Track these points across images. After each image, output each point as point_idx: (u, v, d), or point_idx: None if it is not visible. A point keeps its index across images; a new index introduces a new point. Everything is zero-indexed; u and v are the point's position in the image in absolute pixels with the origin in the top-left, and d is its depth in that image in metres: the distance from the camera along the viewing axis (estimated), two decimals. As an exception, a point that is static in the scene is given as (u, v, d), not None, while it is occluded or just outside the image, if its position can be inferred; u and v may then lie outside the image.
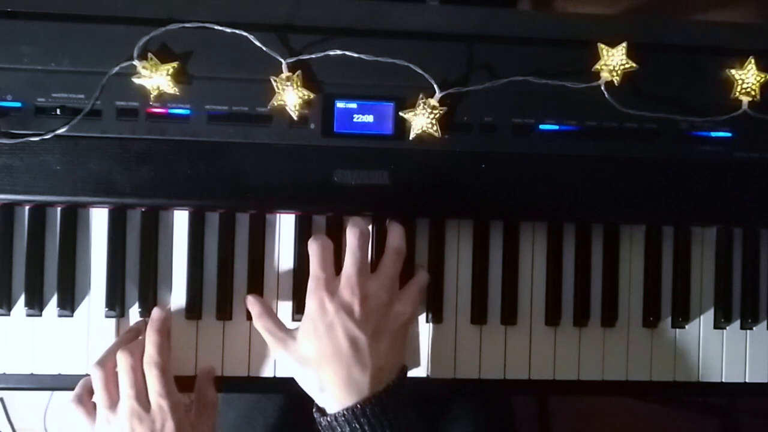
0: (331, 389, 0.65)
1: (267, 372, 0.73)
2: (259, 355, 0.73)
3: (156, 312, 0.70)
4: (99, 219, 0.72)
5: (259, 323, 0.70)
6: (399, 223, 0.72)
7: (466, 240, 0.75)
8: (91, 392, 0.69)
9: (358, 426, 0.63)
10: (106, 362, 0.68)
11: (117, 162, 0.69)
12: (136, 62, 0.67)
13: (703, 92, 0.73)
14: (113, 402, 0.67)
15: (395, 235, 0.71)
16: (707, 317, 0.78)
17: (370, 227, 0.72)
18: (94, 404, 0.68)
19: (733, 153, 0.74)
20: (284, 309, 0.73)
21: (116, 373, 0.68)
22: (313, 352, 0.66)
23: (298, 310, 0.72)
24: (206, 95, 0.69)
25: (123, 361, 0.67)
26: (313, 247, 0.69)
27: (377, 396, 0.64)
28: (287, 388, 0.73)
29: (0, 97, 0.67)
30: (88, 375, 0.69)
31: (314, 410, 0.67)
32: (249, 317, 0.72)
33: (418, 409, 0.92)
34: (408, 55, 0.68)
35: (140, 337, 0.71)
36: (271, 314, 0.71)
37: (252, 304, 0.71)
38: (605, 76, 0.69)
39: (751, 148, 0.74)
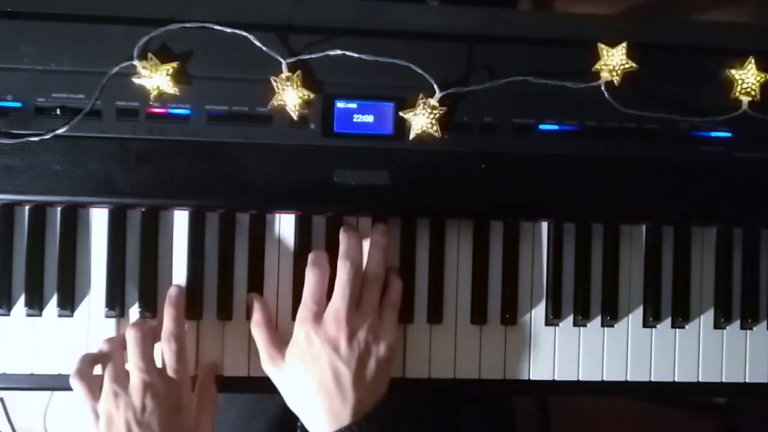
0: (313, 415, 0.67)
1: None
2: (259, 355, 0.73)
3: (173, 289, 0.71)
4: (99, 219, 0.72)
5: (256, 331, 0.71)
6: (378, 245, 0.72)
7: (466, 240, 0.75)
8: (92, 367, 0.68)
9: None
10: (114, 339, 0.69)
11: (117, 162, 0.69)
12: (136, 62, 0.67)
13: (703, 92, 0.73)
14: (123, 375, 0.67)
15: (372, 261, 0.71)
16: (707, 317, 0.78)
17: (363, 258, 0.71)
18: (96, 379, 0.67)
19: (733, 153, 0.74)
20: (284, 309, 0.73)
21: (124, 348, 0.68)
22: (298, 378, 0.67)
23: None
24: (206, 95, 0.69)
25: (133, 334, 0.67)
26: (309, 276, 0.69)
27: (357, 423, 0.65)
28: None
29: (0, 97, 0.67)
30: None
31: (299, 428, 0.69)
32: (249, 317, 0.72)
33: (419, 408, 0.92)
34: (408, 55, 0.68)
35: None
36: (270, 325, 0.71)
37: (255, 309, 0.71)
38: (605, 76, 0.69)
39: (751, 148, 0.74)
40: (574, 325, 0.76)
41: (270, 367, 0.70)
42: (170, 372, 0.67)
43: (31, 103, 0.68)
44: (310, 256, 0.71)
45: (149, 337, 0.68)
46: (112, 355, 0.68)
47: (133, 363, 0.66)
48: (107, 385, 0.66)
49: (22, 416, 1.47)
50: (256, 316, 0.71)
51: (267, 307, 0.72)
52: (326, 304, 0.69)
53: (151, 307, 0.72)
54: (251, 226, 0.73)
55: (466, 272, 0.75)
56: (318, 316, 0.68)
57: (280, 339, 0.71)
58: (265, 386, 0.73)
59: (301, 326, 0.68)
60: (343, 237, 0.71)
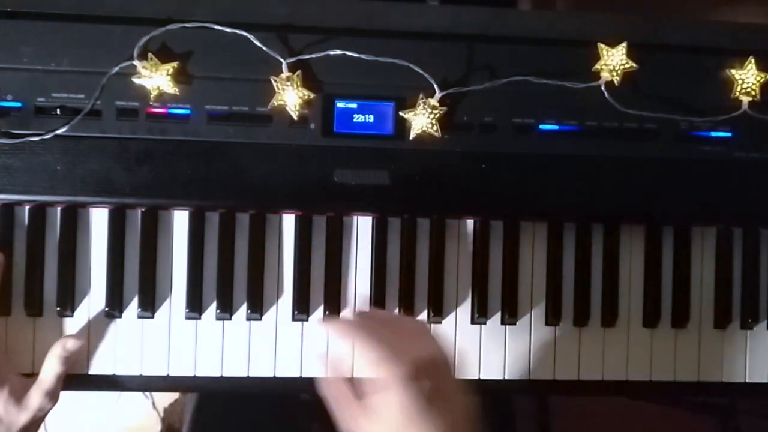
0: None
1: (267, 372, 0.73)
2: (259, 355, 0.73)
3: None
4: (99, 219, 0.72)
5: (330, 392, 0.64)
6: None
7: (466, 240, 0.75)
8: None
9: None
10: None
11: (117, 162, 0.69)
12: (136, 62, 0.66)
13: (703, 92, 0.73)
14: None
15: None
16: (707, 317, 0.78)
17: None
18: None
19: (733, 153, 0.74)
20: (284, 309, 0.73)
21: None
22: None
23: (299, 310, 0.72)
24: (206, 95, 0.69)
25: None
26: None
27: None
28: (287, 388, 0.74)
29: (0, 97, 0.67)
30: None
31: None
32: (249, 317, 0.72)
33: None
34: (408, 55, 0.68)
35: None
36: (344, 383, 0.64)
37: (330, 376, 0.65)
38: (605, 76, 0.69)
39: (751, 148, 0.74)
40: (574, 324, 0.76)
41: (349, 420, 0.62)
42: None
43: (31, 103, 0.68)
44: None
45: None
46: None
47: None
48: None
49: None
50: (330, 371, 0.66)
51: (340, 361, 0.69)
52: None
53: (150, 308, 0.72)
54: (251, 226, 0.73)
55: (466, 272, 0.75)
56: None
57: None
58: (265, 386, 0.74)
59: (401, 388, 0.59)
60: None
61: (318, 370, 0.73)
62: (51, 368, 0.68)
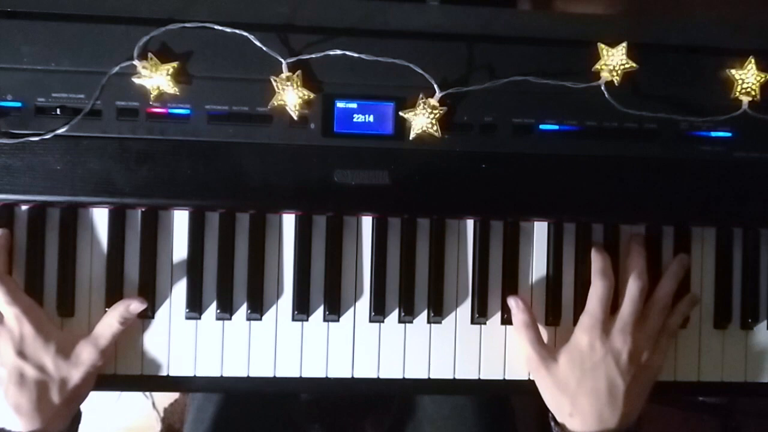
0: (581, 418, 0.69)
1: (267, 372, 0.73)
2: (259, 355, 0.73)
3: None
4: (99, 219, 0.72)
5: (524, 334, 0.72)
6: (676, 274, 0.75)
7: (466, 240, 0.75)
8: None
9: None
10: None
11: (117, 162, 0.69)
12: (136, 62, 0.66)
13: (703, 92, 0.73)
14: None
15: (667, 288, 0.74)
16: (707, 317, 0.78)
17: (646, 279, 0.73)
18: None
19: (733, 153, 0.74)
20: (285, 309, 0.73)
21: None
22: (573, 381, 0.70)
23: (299, 310, 0.72)
24: (206, 95, 0.69)
25: None
26: (598, 286, 0.71)
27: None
28: (287, 387, 0.74)
29: (0, 97, 0.67)
30: None
31: (552, 423, 0.72)
32: (249, 317, 0.73)
33: (418, 408, 0.92)
34: (408, 55, 0.68)
35: None
36: (537, 327, 0.73)
37: (520, 310, 0.73)
38: (605, 76, 0.69)
39: (751, 148, 0.74)
40: (575, 325, 0.76)
41: (540, 366, 0.71)
42: (4, 306, 0.66)
43: (31, 103, 0.68)
44: (599, 265, 0.73)
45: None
46: None
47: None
48: None
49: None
50: (523, 317, 0.72)
51: (530, 308, 0.73)
52: (607, 315, 0.71)
53: (149, 308, 0.72)
54: (251, 226, 0.73)
55: (467, 272, 0.75)
56: (605, 325, 0.70)
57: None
58: (265, 386, 0.74)
59: (588, 333, 0.70)
60: (635, 255, 0.74)
61: (319, 369, 0.73)
62: (108, 326, 0.68)
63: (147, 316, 0.72)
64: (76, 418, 0.71)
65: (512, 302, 0.73)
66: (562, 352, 0.71)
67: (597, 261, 0.73)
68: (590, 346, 0.70)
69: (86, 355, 0.67)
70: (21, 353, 0.65)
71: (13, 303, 0.66)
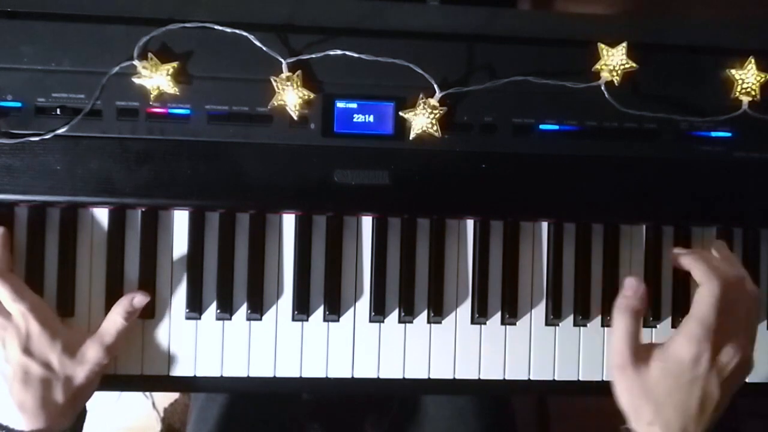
0: (662, 429, 0.63)
1: (267, 372, 0.73)
2: (259, 355, 0.73)
3: None
4: (99, 219, 0.72)
5: (624, 321, 0.64)
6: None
7: (466, 240, 0.75)
8: None
9: None
10: None
11: (117, 162, 0.69)
12: (136, 62, 0.66)
13: (703, 92, 0.73)
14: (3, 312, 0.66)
15: (750, 283, 0.66)
16: (707, 317, 0.78)
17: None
18: None
19: (733, 153, 0.74)
20: (285, 309, 0.73)
21: None
22: (662, 391, 0.63)
23: (299, 310, 0.72)
24: (206, 95, 0.69)
25: None
26: (711, 287, 0.63)
27: None
28: (287, 387, 0.74)
29: (0, 97, 0.67)
30: None
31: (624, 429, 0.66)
32: (249, 317, 0.72)
33: (418, 409, 0.92)
34: (408, 55, 0.68)
35: None
36: (640, 320, 0.65)
37: (634, 293, 0.65)
38: (605, 76, 0.69)
39: (751, 148, 0.74)
40: (574, 325, 0.76)
41: (627, 365, 0.64)
42: (10, 303, 0.65)
43: (31, 103, 0.68)
44: (704, 265, 0.64)
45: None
46: None
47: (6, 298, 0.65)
48: None
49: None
50: (632, 302, 0.65)
51: (646, 299, 0.66)
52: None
53: (149, 308, 0.72)
54: (251, 226, 0.73)
55: (467, 272, 0.75)
56: (713, 336, 0.62)
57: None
58: (265, 386, 0.74)
59: (694, 345, 0.62)
60: (730, 258, 0.68)
61: (319, 369, 0.73)
62: (113, 322, 0.68)
63: (147, 316, 0.72)
64: (81, 416, 0.71)
65: (632, 282, 0.65)
66: (655, 358, 0.63)
67: (698, 261, 0.64)
68: (695, 359, 0.62)
69: (92, 353, 0.67)
70: (27, 350, 0.65)
71: (20, 300, 0.65)
